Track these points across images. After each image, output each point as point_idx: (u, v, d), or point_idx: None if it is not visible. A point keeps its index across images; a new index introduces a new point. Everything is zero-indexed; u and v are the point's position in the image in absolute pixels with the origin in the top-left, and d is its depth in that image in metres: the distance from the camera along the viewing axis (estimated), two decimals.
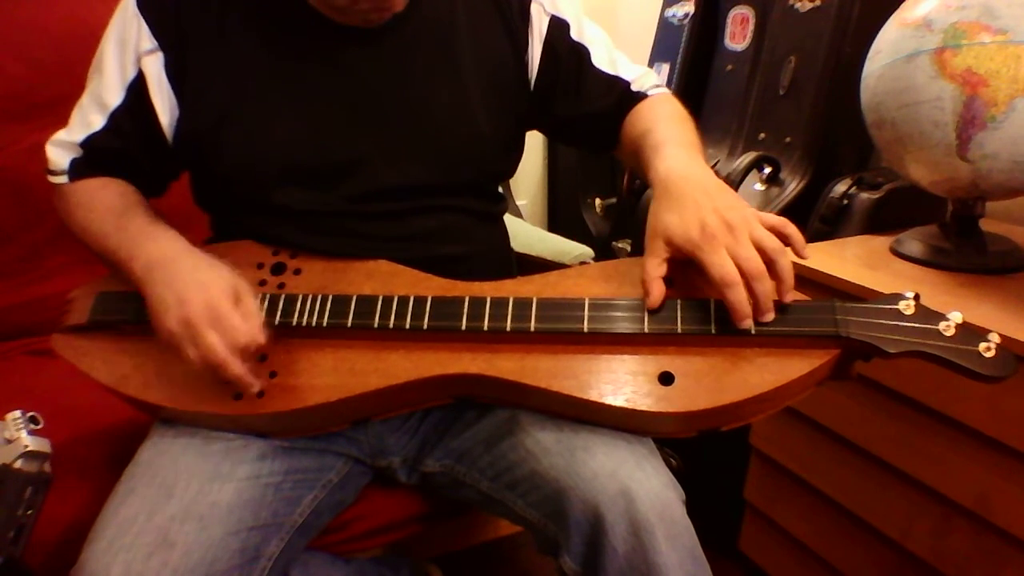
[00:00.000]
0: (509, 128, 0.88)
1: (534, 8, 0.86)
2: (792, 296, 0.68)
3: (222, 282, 0.70)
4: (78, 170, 0.81)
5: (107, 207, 0.80)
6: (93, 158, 0.81)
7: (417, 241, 0.83)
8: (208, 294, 0.69)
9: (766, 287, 0.66)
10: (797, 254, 0.69)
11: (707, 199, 0.68)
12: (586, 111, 0.89)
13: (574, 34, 0.88)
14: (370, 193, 0.81)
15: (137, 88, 0.79)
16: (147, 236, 0.76)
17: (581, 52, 0.88)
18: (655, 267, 0.69)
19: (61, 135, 0.82)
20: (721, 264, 0.65)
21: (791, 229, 0.69)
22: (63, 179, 0.81)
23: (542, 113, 0.91)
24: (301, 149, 0.79)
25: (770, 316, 0.67)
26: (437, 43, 0.82)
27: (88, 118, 0.80)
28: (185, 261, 0.72)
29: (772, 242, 0.66)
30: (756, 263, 0.65)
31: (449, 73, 0.82)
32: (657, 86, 0.91)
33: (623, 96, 0.89)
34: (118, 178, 0.83)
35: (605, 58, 0.89)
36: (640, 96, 0.89)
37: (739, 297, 0.65)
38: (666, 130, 0.82)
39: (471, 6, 0.84)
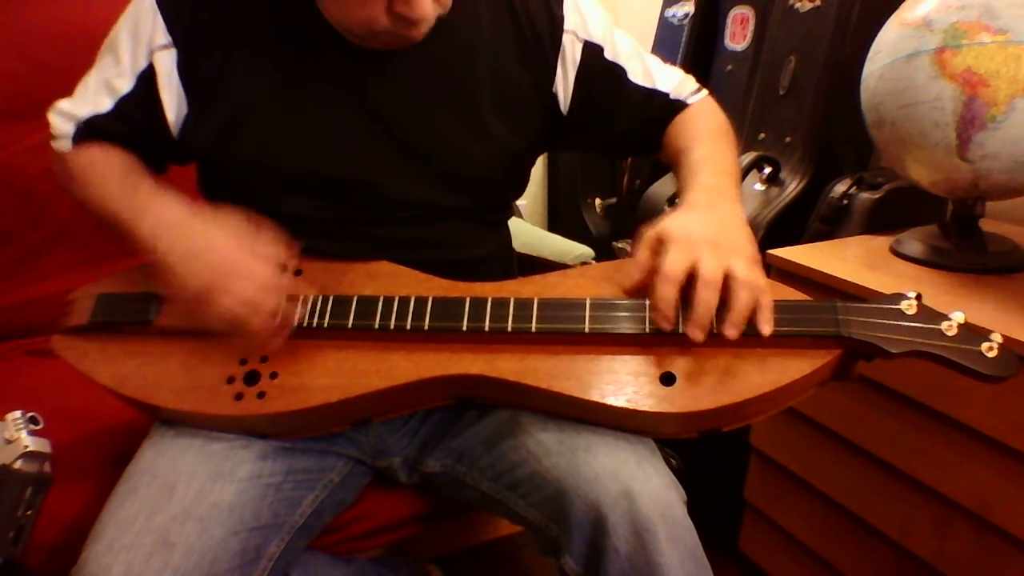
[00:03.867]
0: (521, 156, 0.88)
1: (567, 39, 0.85)
2: (736, 332, 0.65)
3: (237, 235, 0.71)
4: (80, 136, 0.81)
5: (110, 172, 0.79)
6: (94, 133, 0.81)
7: (421, 246, 0.83)
8: (226, 246, 0.70)
9: (710, 298, 0.64)
10: (757, 323, 0.66)
11: (711, 219, 0.69)
12: (627, 127, 0.89)
13: (608, 55, 0.87)
14: (374, 205, 0.81)
15: (147, 79, 0.78)
16: (154, 199, 0.75)
17: (617, 72, 0.87)
18: (641, 253, 0.70)
19: (65, 105, 0.81)
20: (672, 260, 0.65)
21: (766, 299, 0.66)
22: (65, 144, 0.81)
23: (580, 136, 0.91)
24: (309, 164, 0.79)
25: (699, 335, 0.65)
26: (455, 69, 0.81)
27: (97, 98, 0.80)
28: (196, 220, 0.72)
29: (744, 274, 0.64)
30: (714, 274, 0.64)
31: (464, 99, 0.82)
32: (697, 91, 0.90)
33: (664, 107, 0.88)
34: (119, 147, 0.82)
35: (640, 71, 0.88)
36: (680, 105, 0.89)
37: (664, 293, 0.65)
38: (704, 150, 0.81)
39: (495, 36, 0.83)
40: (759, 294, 0.65)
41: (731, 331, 0.65)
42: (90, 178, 0.79)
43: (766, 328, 0.66)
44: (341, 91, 0.79)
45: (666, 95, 0.88)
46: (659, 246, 0.68)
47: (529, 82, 0.85)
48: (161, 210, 0.74)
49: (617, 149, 0.95)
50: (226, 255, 0.69)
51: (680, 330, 0.67)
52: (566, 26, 0.85)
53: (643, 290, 0.70)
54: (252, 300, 0.68)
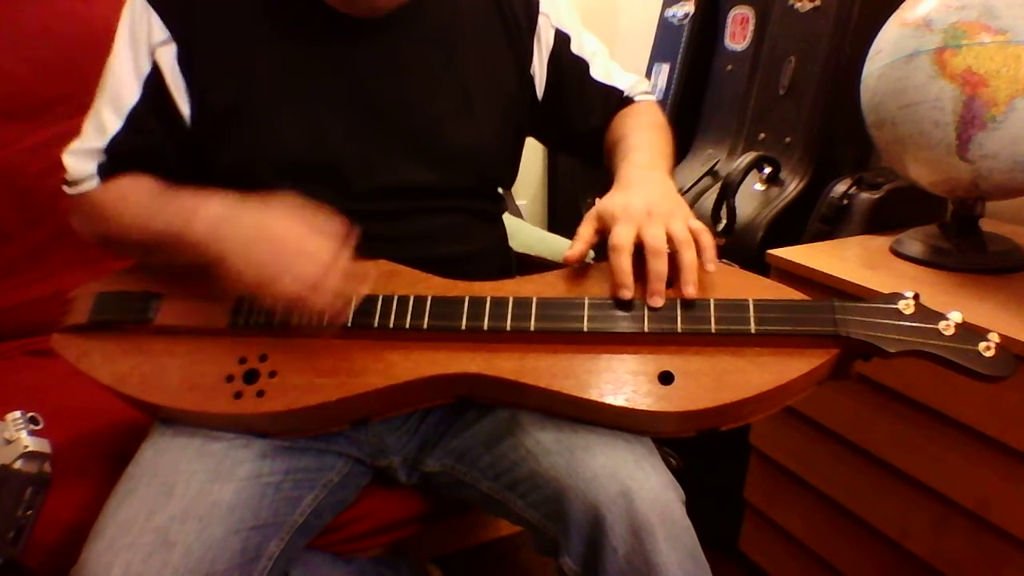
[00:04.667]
0: (509, 137, 0.89)
1: (542, 20, 0.87)
2: (693, 289, 0.69)
3: (292, 214, 0.69)
4: (107, 171, 0.79)
5: (143, 195, 0.78)
6: (119, 160, 0.79)
7: (417, 241, 0.83)
8: (282, 227, 0.68)
9: (661, 266, 0.69)
10: (702, 263, 0.71)
11: (645, 190, 0.74)
12: (590, 125, 0.91)
13: (574, 48, 0.89)
14: (369, 192, 0.81)
15: (154, 82, 0.78)
16: (200, 200, 0.73)
17: (581, 66, 0.89)
18: (584, 228, 0.74)
19: (77, 145, 0.80)
20: (618, 232, 0.69)
21: (705, 238, 0.71)
22: (92, 184, 0.79)
23: (549, 126, 0.92)
24: (301, 147, 0.79)
25: (658, 300, 0.69)
26: (439, 47, 0.83)
27: (103, 123, 0.79)
28: (246, 209, 0.71)
29: (683, 234, 0.70)
30: (659, 242, 0.69)
31: (450, 77, 0.83)
32: (646, 93, 0.93)
33: (619, 105, 0.91)
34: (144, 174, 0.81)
35: (602, 70, 0.91)
36: (628, 100, 0.92)
37: (621, 263, 0.69)
38: (638, 138, 0.85)
39: (475, 15, 0.84)
40: (700, 237, 0.71)
41: (689, 288, 0.69)
42: (123, 208, 0.78)
43: (711, 266, 0.71)
44: (329, 73, 0.79)
45: (621, 92, 0.92)
46: (600, 223, 0.73)
47: (512, 60, 0.86)
48: (210, 208, 0.72)
49: (580, 149, 0.96)
50: (283, 235, 0.68)
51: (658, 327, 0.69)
52: (541, 8, 0.87)
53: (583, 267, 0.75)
54: (312, 278, 0.66)
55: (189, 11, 0.78)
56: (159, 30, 0.77)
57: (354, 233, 0.70)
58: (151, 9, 0.77)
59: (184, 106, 0.79)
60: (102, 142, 0.79)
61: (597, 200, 0.76)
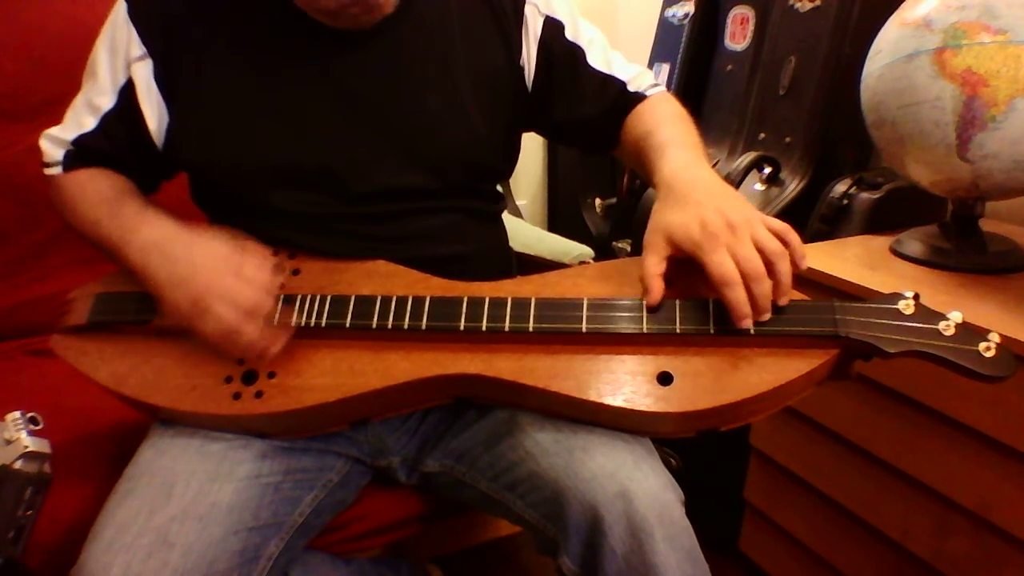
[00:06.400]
0: (504, 131, 0.88)
1: (528, 9, 0.86)
2: (788, 299, 0.67)
3: (220, 254, 0.72)
4: (71, 162, 0.82)
5: (99, 196, 0.81)
6: (84, 155, 0.82)
7: (415, 241, 0.83)
8: (208, 269, 0.71)
9: (764, 288, 0.65)
10: (795, 262, 0.67)
11: (710, 199, 0.68)
12: (582, 113, 0.88)
13: (568, 34, 0.87)
14: (366, 195, 0.81)
15: (127, 94, 0.79)
16: (139, 220, 0.77)
17: (575, 52, 0.88)
18: (654, 264, 0.69)
19: (55, 130, 0.82)
20: (720, 263, 0.64)
21: (792, 236, 0.67)
22: (57, 170, 0.82)
23: (541, 116, 0.90)
24: (294, 153, 0.79)
25: (767, 316, 0.67)
26: (429, 45, 0.82)
27: (80, 119, 0.81)
28: (180, 241, 0.74)
29: (773, 244, 0.66)
30: (756, 264, 0.65)
31: (442, 75, 0.82)
32: (655, 85, 0.91)
33: (619, 96, 0.88)
34: (109, 170, 0.84)
35: (600, 58, 0.88)
36: (638, 96, 0.88)
37: (738, 296, 0.64)
38: (668, 131, 0.81)
39: (464, 9, 0.84)
40: (787, 236, 0.67)
41: (783, 300, 0.67)
42: (80, 203, 0.81)
43: (804, 263, 0.67)
44: (318, 80, 0.79)
45: (623, 83, 0.88)
46: (673, 247, 0.68)
47: (503, 52, 0.85)
48: (146, 234, 0.75)
49: (576, 138, 0.94)
50: (206, 280, 0.70)
51: (711, 330, 0.68)
52: None
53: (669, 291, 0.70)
54: (248, 303, 0.70)
55: (170, 27, 0.78)
56: (136, 46, 0.78)
57: (280, 275, 0.74)
58: (131, 25, 0.78)
59: (152, 122, 0.80)
60: (73, 135, 0.81)
61: (652, 213, 0.71)
